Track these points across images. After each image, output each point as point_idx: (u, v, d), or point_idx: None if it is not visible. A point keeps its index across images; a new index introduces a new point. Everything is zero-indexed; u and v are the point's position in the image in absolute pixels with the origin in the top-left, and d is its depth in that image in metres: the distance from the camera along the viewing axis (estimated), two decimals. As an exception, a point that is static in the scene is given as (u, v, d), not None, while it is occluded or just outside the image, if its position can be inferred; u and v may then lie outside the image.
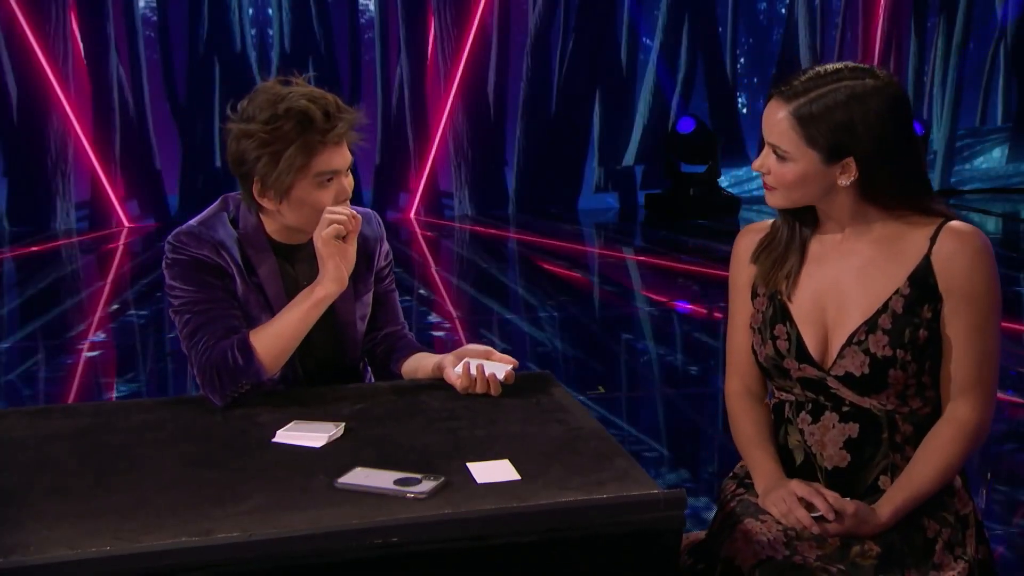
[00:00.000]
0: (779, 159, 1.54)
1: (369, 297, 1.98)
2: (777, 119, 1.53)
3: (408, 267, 6.27)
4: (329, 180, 1.79)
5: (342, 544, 1.26)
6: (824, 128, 1.49)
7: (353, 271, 1.92)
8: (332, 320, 1.91)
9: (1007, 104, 9.13)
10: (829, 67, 1.53)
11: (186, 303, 1.80)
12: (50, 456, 1.53)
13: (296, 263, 1.90)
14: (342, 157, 1.79)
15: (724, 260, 1.77)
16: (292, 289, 1.88)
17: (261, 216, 1.86)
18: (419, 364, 1.92)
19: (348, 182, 1.83)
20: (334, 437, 1.56)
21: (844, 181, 1.53)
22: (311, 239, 1.88)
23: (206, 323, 1.78)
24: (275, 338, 1.76)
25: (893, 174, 1.52)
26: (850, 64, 1.54)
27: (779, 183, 1.56)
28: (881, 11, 8.84)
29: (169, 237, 1.85)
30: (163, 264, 1.84)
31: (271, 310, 1.84)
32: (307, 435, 1.56)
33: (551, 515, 1.31)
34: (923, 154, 1.61)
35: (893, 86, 1.53)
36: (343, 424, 1.60)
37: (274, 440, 1.57)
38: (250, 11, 8.07)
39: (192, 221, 1.87)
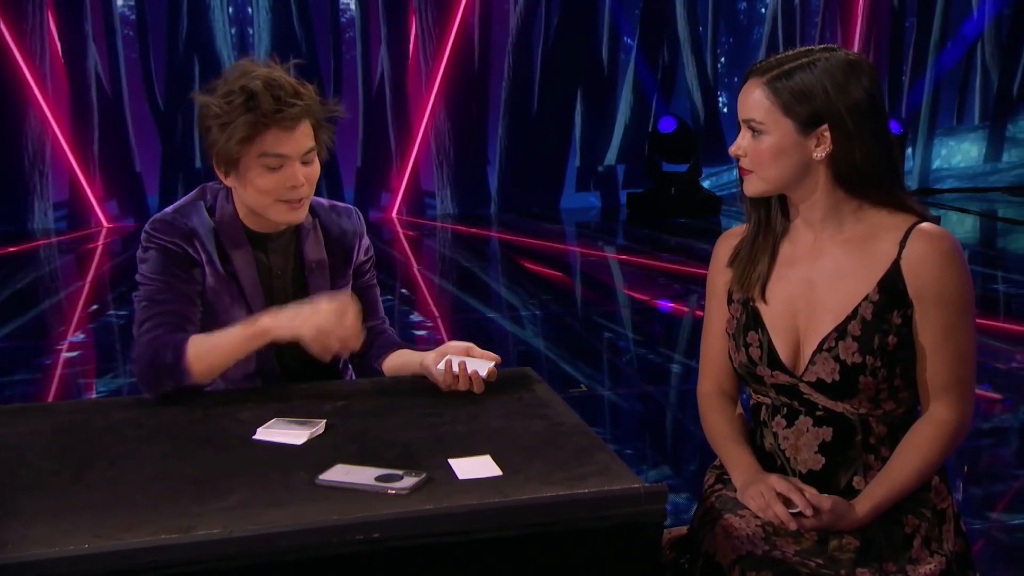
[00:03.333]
0: (754, 136, 1.56)
1: (347, 291, 1.97)
2: (751, 93, 1.55)
3: (390, 266, 6.26)
4: (278, 166, 1.78)
5: (323, 540, 1.26)
6: (798, 93, 1.51)
7: (330, 265, 1.94)
8: None
9: (984, 103, 9.23)
10: (801, 48, 1.58)
11: (146, 291, 1.82)
12: (28, 454, 1.52)
13: (270, 252, 1.90)
14: (292, 143, 1.77)
15: (705, 258, 1.78)
16: (266, 278, 1.89)
17: (235, 203, 1.87)
18: (402, 362, 1.91)
19: (306, 172, 1.80)
20: (315, 434, 1.56)
21: (819, 154, 1.54)
22: (285, 229, 1.89)
23: (157, 315, 1.79)
24: (210, 352, 1.73)
25: (867, 146, 1.53)
26: (821, 45, 1.59)
27: (755, 162, 1.56)
28: (860, 11, 8.91)
29: (146, 224, 1.87)
30: (138, 252, 1.86)
31: (244, 299, 1.85)
32: (288, 432, 1.55)
33: (533, 510, 1.32)
34: (895, 142, 1.62)
35: (864, 59, 1.57)
36: (324, 421, 1.59)
37: (255, 437, 1.56)
38: (230, 9, 8.03)
39: (168, 208, 1.89)
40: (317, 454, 1.48)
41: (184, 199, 1.90)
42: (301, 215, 1.85)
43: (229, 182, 1.82)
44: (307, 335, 1.70)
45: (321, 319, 1.70)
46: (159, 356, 1.73)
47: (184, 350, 1.73)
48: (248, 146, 1.76)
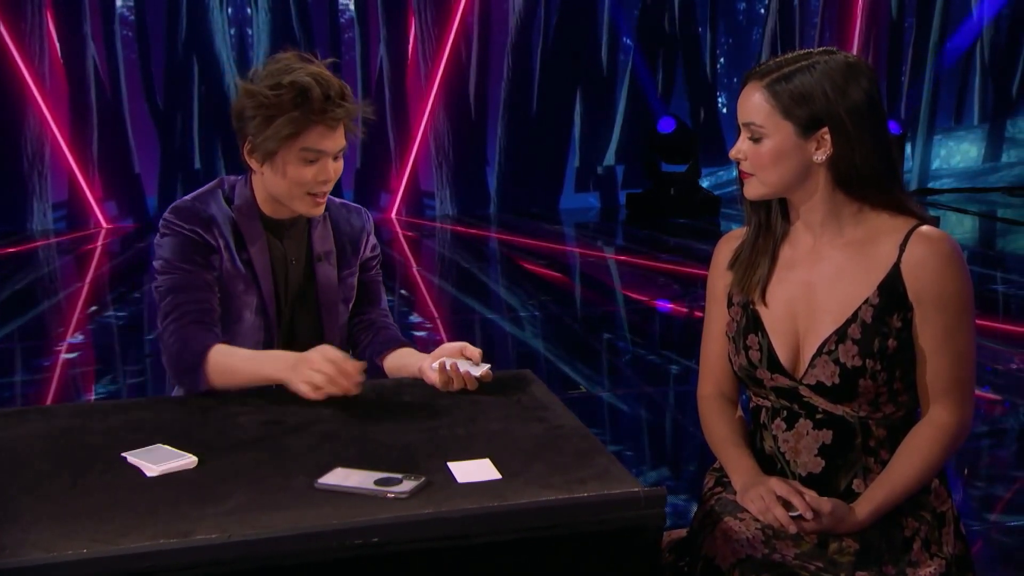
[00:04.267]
0: (754, 140, 1.55)
1: (354, 280, 2.03)
2: (751, 96, 1.55)
3: (390, 267, 6.26)
4: (315, 159, 1.83)
5: (322, 545, 1.25)
6: (797, 96, 1.51)
7: (337, 253, 2.00)
8: (315, 302, 1.97)
9: (983, 104, 9.23)
10: (800, 51, 1.58)
11: (168, 280, 1.86)
12: (26, 458, 1.52)
13: (285, 239, 1.95)
14: (332, 141, 1.83)
15: (705, 259, 1.78)
16: (280, 264, 1.94)
17: (254, 189, 1.91)
18: (403, 363, 1.94)
19: (335, 167, 1.86)
20: (175, 469, 1.45)
21: (820, 156, 1.54)
22: (299, 217, 1.94)
23: (181, 305, 1.83)
24: (229, 371, 1.77)
25: (867, 148, 1.53)
26: (820, 48, 1.59)
27: (756, 165, 1.56)
28: (859, 11, 8.91)
29: (165, 212, 1.91)
30: (156, 238, 1.90)
31: (257, 285, 1.90)
32: (151, 463, 1.45)
33: (532, 514, 1.31)
34: (894, 143, 1.62)
35: (863, 62, 1.57)
36: (194, 458, 1.48)
37: (127, 458, 1.47)
38: (229, 10, 8.03)
39: (187, 196, 1.93)
40: (316, 457, 1.48)
41: (203, 188, 1.95)
42: (321, 209, 1.91)
43: (257, 167, 1.86)
44: (307, 391, 1.67)
45: (323, 376, 1.66)
46: (182, 355, 1.79)
47: (206, 359, 1.77)
48: (293, 140, 1.80)
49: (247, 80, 1.83)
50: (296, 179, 1.83)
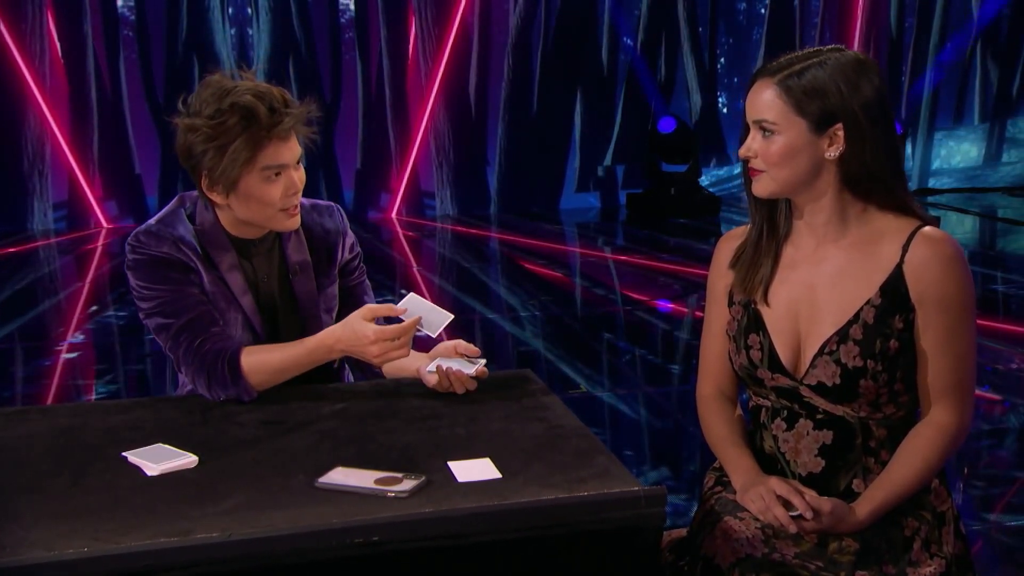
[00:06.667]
0: (765, 137, 1.54)
1: (334, 290, 1.97)
2: (763, 93, 1.54)
3: (390, 267, 6.26)
4: (277, 174, 1.78)
5: (322, 543, 1.26)
6: (812, 93, 1.51)
7: (315, 263, 1.94)
8: (296, 314, 1.92)
9: (984, 103, 9.22)
10: (809, 48, 1.58)
11: (157, 305, 1.80)
12: (26, 457, 1.52)
13: (252, 257, 1.90)
14: (289, 151, 1.79)
15: (705, 259, 1.78)
16: (252, 283, 1.89)
17: (216, 211, 1.86)
18: (400, 365, 1.91)
19: (299, 176, 1.82)
20: (175, 468, 1.45)
21: (832, 153, 1.53)
22: (266, 233, 1.89)
23: (186, 324, 1.78)
24: (265, 365, 1.75)
25: (878, 145, 1.53)
26: (828, 46, 1.58)
27: (766, 162, 1.55)
28: (860, 12, 8.91)
29: (128, 239, 1.85)
30: (125, 266, 1.84)
31: (238, 304, 1.86)
32: (151, 462, 1.46)
33: (532, 513, 1.32)
34: (899, 141, 1.62)
35: (871, 60, 1.57)
36: (194, 457, 1.49)
37: (128, 457, 1.49)
38: (230, 10, 8.03)
39: (150, 220, 1.87)
40: (316, 457, 1.48)
41: (164, 210, 1.89)
42: (298, 220, 1.86)
43: (221, 200, 1.80)
44: (374, 359, 1.74)
45: (376, 343, 1.73)
46: (215, 369, 1.73)
47: (239, 365, 1.73)
48: (252, 163, 1.75)
49: (183, 115, 1.77)
50: (266, 200, 1.78)
